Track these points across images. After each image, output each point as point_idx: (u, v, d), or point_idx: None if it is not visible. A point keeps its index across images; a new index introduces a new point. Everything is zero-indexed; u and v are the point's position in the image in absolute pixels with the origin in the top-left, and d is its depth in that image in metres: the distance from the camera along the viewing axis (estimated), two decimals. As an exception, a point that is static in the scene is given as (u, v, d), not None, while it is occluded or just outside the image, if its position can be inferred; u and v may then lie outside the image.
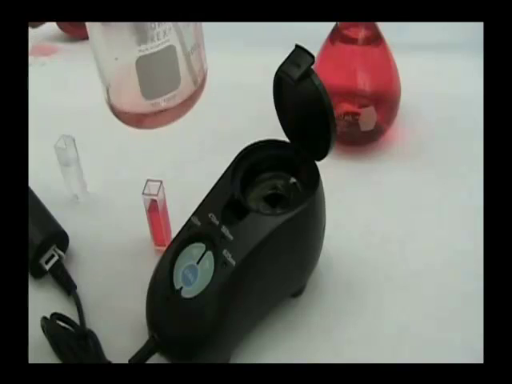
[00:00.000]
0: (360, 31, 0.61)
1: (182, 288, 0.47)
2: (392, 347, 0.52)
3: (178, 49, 0.51)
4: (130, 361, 0.48)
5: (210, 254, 0.47)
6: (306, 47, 0.46)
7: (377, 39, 0.62)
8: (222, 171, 0.50)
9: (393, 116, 0.65)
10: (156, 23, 0.49)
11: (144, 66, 0.50)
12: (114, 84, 0.55)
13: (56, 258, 0.56)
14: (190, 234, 0.48)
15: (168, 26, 0.49)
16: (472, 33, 0.63)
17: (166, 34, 0.50)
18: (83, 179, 0.62)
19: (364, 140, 0.65)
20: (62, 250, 0.57)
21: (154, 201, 0.54)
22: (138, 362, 0.48)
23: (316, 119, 0.47)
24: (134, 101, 0.53)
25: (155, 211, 0.55)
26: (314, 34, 0.61)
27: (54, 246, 0.56)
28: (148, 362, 0.48)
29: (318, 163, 0.50)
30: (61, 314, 0.52)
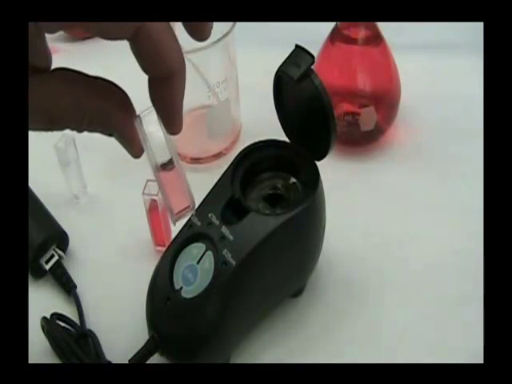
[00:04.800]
0: (360, 31, 0.61)
1: (181, 288, 0.47)
2: (392, 347, 0.52)
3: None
4: (129, 361, 0.48)
5: (209, 254, 0.47)
6: (306, 47, 0.46)
7: (377, 39, 0.62)
8: (222, 171, 0.50)
9: (393, 116, 0.65)
10: (220, 82, 0.60)
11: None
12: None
13: (56, 258, 0.56)
14: (189, 234, 0.48)
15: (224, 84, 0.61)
16: (472, 33, 0.63)
17: (225, 89, 0.61)
18: (83, 179, 0.62)
19: (364, 140, 0.65)
20: (62, 250, 0.57)
21: (154, 201, 0.54)
22: (138, 362, 0.48)
23: (316, 119, 0.47)
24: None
25: (155, 211, 0.55)
26: (313, 34, 0.61)
27: (54, 246, 0.56)
28: (148, 361, 0.48)
29: (318, 163, 0.50)
30: (61, 314, 0.52)
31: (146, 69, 0.35)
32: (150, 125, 0.36)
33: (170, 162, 0.37)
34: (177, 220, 0.38)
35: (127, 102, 0.36)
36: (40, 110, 0.35)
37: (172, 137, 0.38)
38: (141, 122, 0.36)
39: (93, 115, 0.35)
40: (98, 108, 0.35)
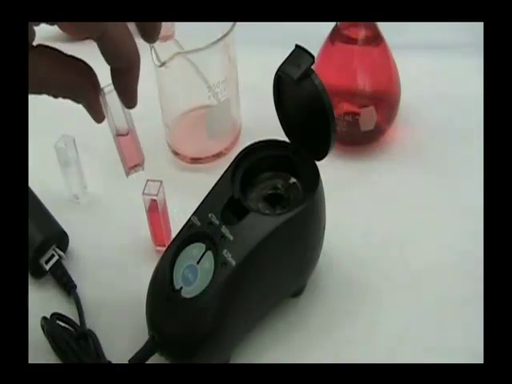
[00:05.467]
0: (360, 31, 0.61)
1: (181, 288, 0.47)
2: (392, 347, 0.52)
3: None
4: (129, 361, 0.48)
5: (209, 254, 0.47)
6: (305, 47, 0.46)
7: (377, 39, 0.62)
8: (222, 171, 0.50)
9: (393, 116, 0.65)
10: (220, 82, 0.60)
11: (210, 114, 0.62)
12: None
13: (56, 257, 0.56)
14: (189, 234, 0.48)
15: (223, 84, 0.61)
16: (472, 33, 0.63)
17: (225, 89, 0.61)
18: (83, 179, 0.62)
19: (364, 140, 0.65)
20: (62, 250, 0.57)
21: (154, 201, 0.54)
22: (138, 362, 0.48)
23: (316, 119, 0.47)
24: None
25: (155, 211, 0.55)
26: (313, 34, 0.61)
27: (53, 246, 0.56)
28: (148, 362, 0.48)
29: (318, 163, 0.50)
30: (61, 314, 0.52)
31: (109, 62, 0.42)
32: (112, 98, 0.43)
33: (127, 128, 0.45)
34: (129, 174, 0.46)
35: (94, 78, 0.43)
36: None
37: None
38: (104, 95, 0.43)
39: (66, 86, 0.42)
40: (70, 81, 0.42)
